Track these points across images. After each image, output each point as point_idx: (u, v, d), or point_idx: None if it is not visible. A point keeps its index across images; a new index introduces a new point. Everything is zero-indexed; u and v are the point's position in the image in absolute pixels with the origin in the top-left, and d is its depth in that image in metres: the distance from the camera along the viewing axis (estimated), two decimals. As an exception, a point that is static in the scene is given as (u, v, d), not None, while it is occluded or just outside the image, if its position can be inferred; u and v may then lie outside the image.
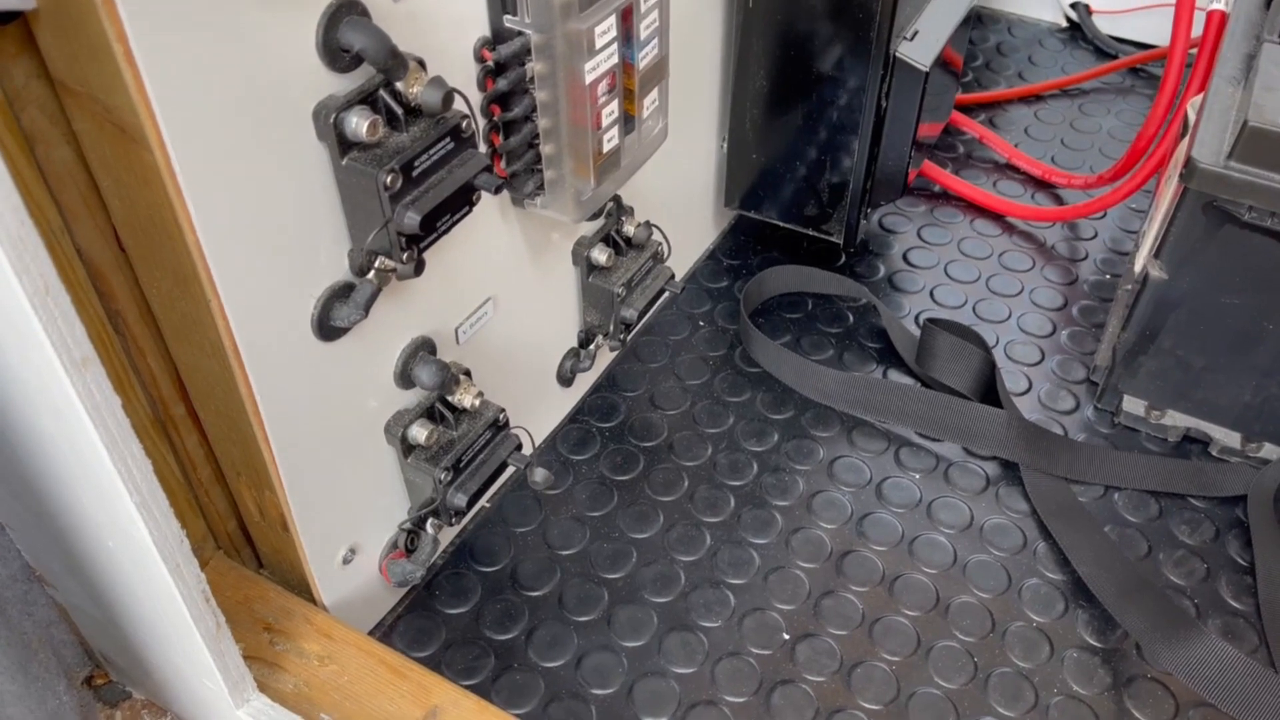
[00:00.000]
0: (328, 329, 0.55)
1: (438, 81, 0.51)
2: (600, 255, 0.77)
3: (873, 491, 0.80)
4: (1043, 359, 0.91)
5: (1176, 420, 0.83)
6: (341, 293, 0.55)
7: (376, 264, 0.54)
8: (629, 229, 0.78)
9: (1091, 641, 0.70)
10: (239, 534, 0.68)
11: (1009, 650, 0.70)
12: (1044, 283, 0.98)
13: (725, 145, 0.93)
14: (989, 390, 0.85)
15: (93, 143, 0.47)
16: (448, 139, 0.53)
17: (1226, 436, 0.81)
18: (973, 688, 0.68)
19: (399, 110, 0.51)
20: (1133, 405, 0.84)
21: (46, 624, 0.65)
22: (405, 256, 0.53)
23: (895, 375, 0.89)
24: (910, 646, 0.70)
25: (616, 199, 0.77)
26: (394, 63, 0.49)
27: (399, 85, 0.51)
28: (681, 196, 0.92)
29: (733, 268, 1.00)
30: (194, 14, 0.42)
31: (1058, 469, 0.80)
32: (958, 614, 0.72)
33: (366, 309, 0.55)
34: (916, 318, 0.94)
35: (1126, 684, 0.68)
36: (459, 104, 0.54)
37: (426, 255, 0.59)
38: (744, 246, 1.02)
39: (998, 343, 0.92)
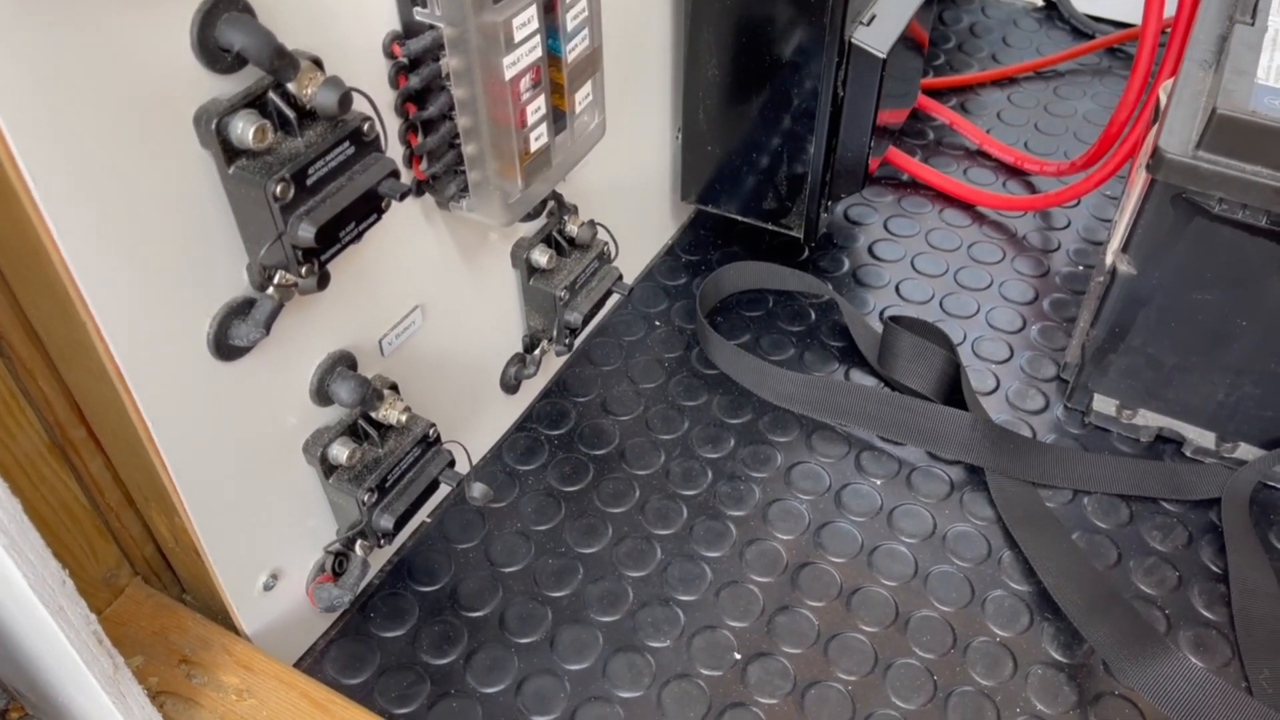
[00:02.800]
0: (226, 348, 0.51)
1: (334, 82, 0.47)
2: (541, 257, 0.73)
3: (832, 499, 0.77)
4: (1011, 356, 0.87)
5: (1149, 420, 0.79)
6: (241, 309, 0.51)
7: (276, 278, 0.50)
8: (571, 228, 0.75)
9: (1057, 657, 0.67)
10: (157, 558, 0.65)
11: (970, 667, 0.67)
12: (1014, 275, 0.94)
13: (679, 137, 0.89)
14: (954, 391, 0.82)
15: (-52, 156, 0.43)
16: (347, 143, 0.49)
17: (1200, 436, 0.78)
18: (932, 708, 0.65)
19: (291, 114, 0.47)
20: (1104, 404, 0.80)
21: (-50, 659, 0.61)
22: (304, 270, 0.49)
23: (858, 376, 0.86)
24: (867, 665, 0.67)
25: (557, 197, 0.73)
26: (281, 62, 0.45)
27: (290, 86, 0.47)
28: (635, 191, 0.88)
29: (692, 264, 0.96)
30: (44, 18, 0.38)
31: (1025, 473, 0.77)
32: (918, 629, 0.69)
33: (268, 327, 0.51)
34: (881, 314, 0.91)
35: (1093, 701, 0.65)
36: (362, 105, 0.50)
37: (337, 265, 0.55)
38: (704, 242, 0.98)
39: (965, 339, 0.88)
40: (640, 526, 0.75)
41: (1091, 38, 1.23)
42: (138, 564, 0.64)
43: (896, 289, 0.93)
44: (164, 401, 0.50)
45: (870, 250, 0.97)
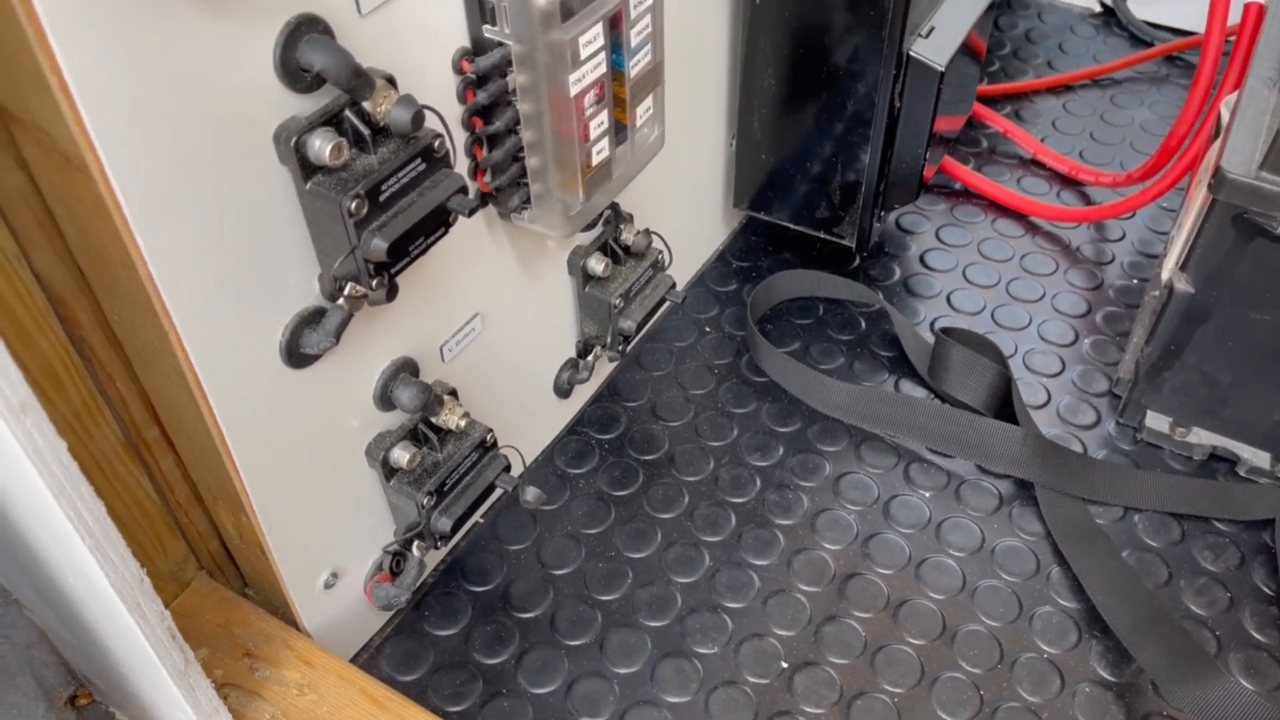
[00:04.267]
0: (297, 356, 0.53)
1: (407, 100, 0.48)
2: (597, 265, 0.74)
3: (880, 510, 0.77)
4: (1063, 369, 0.87)
5: (1202, 438, 0.79)
6: (311, 319, 0.53)
7: (347, 290, 0.51)
8: (627, 237, 0.76)
9: (1105, 675, 0.67)
10: (222, 553, 0.67)
11: (1017, 683, 0.67)
12: (1067, 287, 0.94)
13: (734, 144, 0.90)
14: (1005, 404, 0.82)
15: (41, 170, 0.45)
16: (419, 160, 0.50)
17: (1255, 456, 0.77)
18: (978, 723, 0.65)
19: (366, 131, 0.48)
20: (1156, 421, 0.80)
21: (26, 645, 0.64)
22: (375, 283, 0.50)
23: (907, 386, 0.86)
24: (914, 678, 0.67)
25: (614, 205, 0.74)
26: (358, 82, 0.46)
27: (366, 105, 0.48)
28: (687, 198, 0.89)
29: (742, 270, 0.96)
30: (135, 41, 0.40)
31: (1075, 488, 0.77)
32: (965, 643, 0.69)
33: (337, 336, 0.52)
34: (932, 324, 0.91)
35: (1141, 721, 0.65)
36: (433, 122, 0.51)
37: (403, 275, 0.56)
38: (755, 248, 0.98)
39: (1016, 351, 0.88)
40: (689, 533, 0.75)
41: (1150, 45, 1.21)
42: (203, 558, 0.66)
43: (948, 299, 0.93)
44: (237, 406, 0.52)
45: (922, 259, 0.97)
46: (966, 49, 0.83)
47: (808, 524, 0.76)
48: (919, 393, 0.85)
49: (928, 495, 0.78)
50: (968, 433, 0.79)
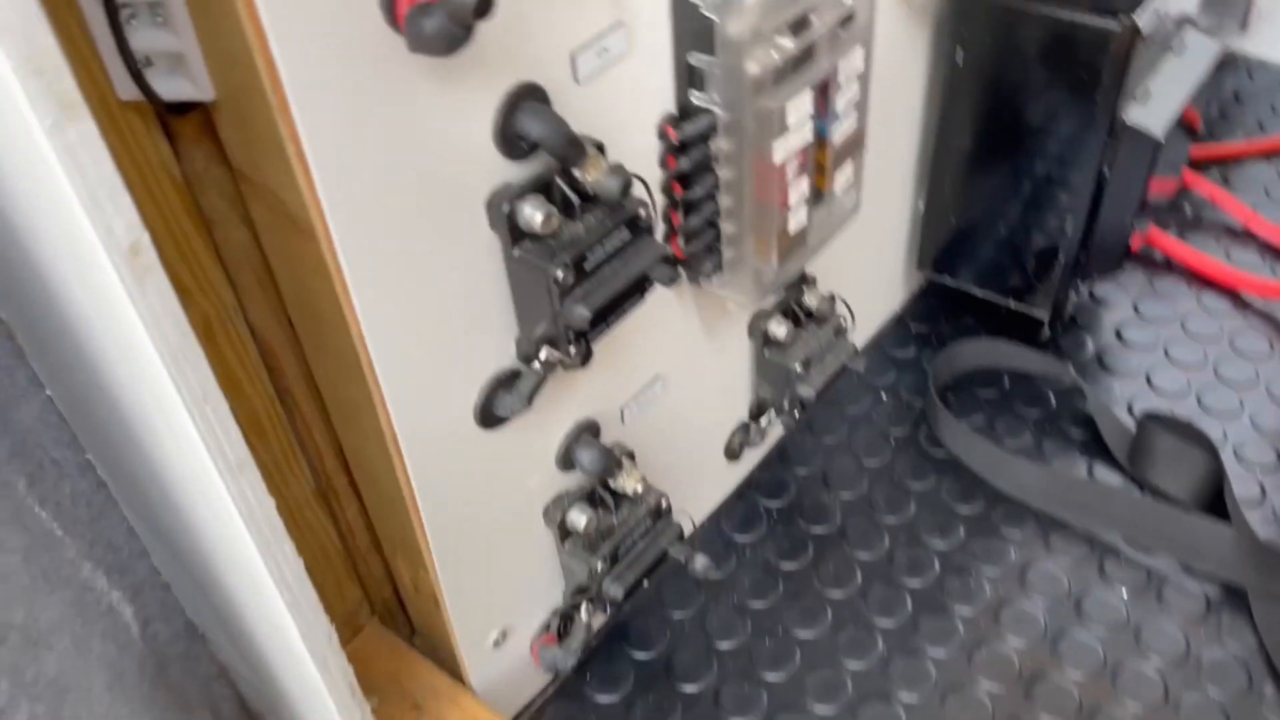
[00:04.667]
0: (490, 418, 0.53)
1: (617, 170, 0.47)
2: (778, 329, 0.72)
3: (1071, 606, 0.71)
4: (1280, 463, 0.79)
5: None
6: (506, 381, 0.52)
7: (543, 354, 0.51)
8: (810, 300, 0.73)
9: (1334, 818, 0.60)
10: (393, 600, 0.67)
11: (1229, 816, 0.60)
12: (1284, 372, 0.86)
13: (922, 205, 0.87)
14: (1214, 498, 0.75)
15: (267, 229, 0.46)
16: (624, 229, 0.49)
17: None
18: None
19: (575, 198, 0.48)
20: (1394, 530, 0.72)
21: (207, 679, 0.65)
22: (573, 350, 0.50)
23: (1102, 471, 0.80)
24: (1109, 797, 0.62)
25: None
26: (572, 151, 0.46)
27: (576, 172, 0.47)
28: (869, 258, 0.86)
29: (921, 335, 0.92)
30: (371, 112, 0.40)
31: (1296, 599, 0.70)
32: (1167, 764, 0.63)
33: (530, 399, 0.52)
34: (1129, 405, 0.84)
35: None
36: (637, 189, 0.50)
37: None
38: (934, 312, 0.94)
39: (1225, 440, 0.81)
40: (861, 614, 0.72)
41: (1378, 107, 1.11)
42: (375, 605, 0.67)
43: (1147, 378, 0.87)
44: (428, 463, 0.52)
45: (1118, 333, 0.91)
46: (1182, 115, 0.77)
47: (990, 614, 0.71)
48: (1115, 479, 0.79)
49: (1124, 593, 0.72)
50: (1172, 527, 0.73)
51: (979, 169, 0.81)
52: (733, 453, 0.78)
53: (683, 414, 0.70)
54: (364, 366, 0.47)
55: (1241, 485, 0.78)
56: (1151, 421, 0.77)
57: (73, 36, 0.38)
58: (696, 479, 0.76)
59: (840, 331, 0.75)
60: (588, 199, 0.49)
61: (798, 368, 0.72)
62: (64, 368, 0.47)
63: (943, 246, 0.87)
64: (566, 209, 0.48)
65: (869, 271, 0.87)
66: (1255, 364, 0.87)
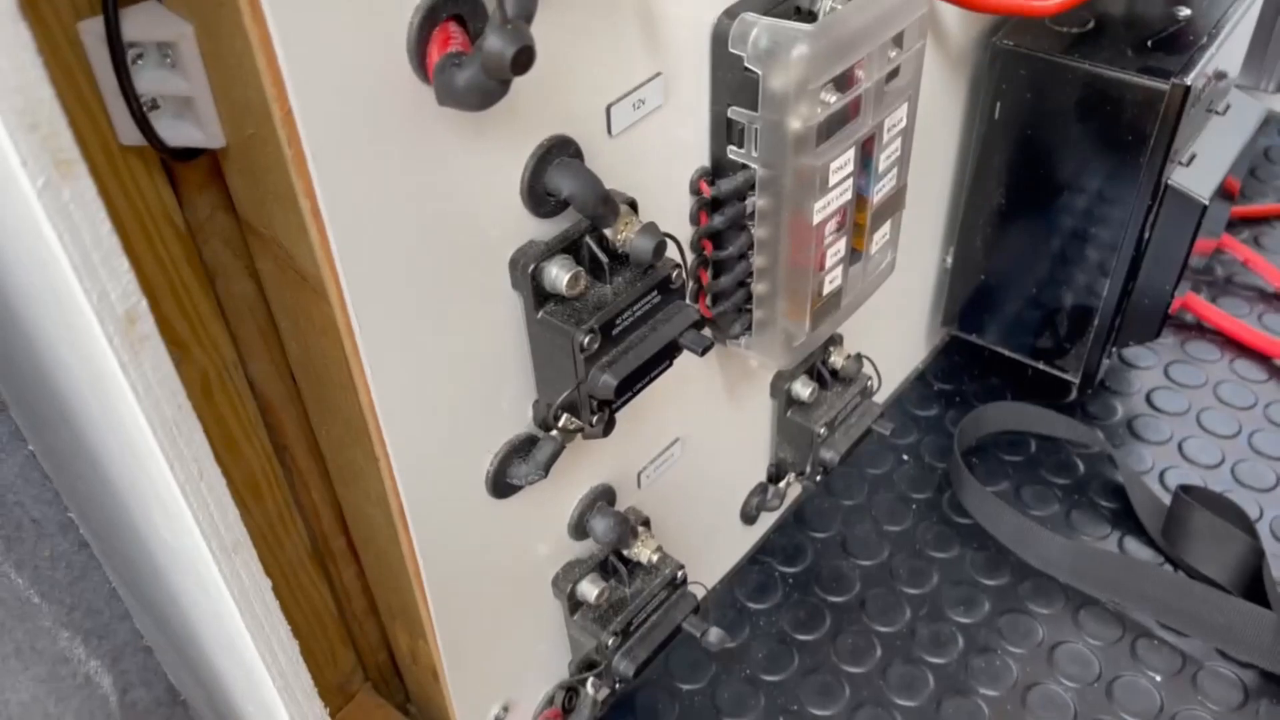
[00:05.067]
0: (503, 486, 0.49)
1: (650, 229, 0.44)
2: (803, 390, 0.69)
3: (1102, 691, 0.68)
4: (1320, 543, 0.76)
5: None
6: (521, 448, 0.49)
7: (562, 421, 0.48)
8: (836, 360, 0.70)
9: None
10: (389, 666, 0.63)
11: None
12: (1322, 445, 0.83)
13: (949, 261, 0.84)
14: (1254, 581, 0.71)
15: (273, 284, 0.43)
16: (654, 292, 0.46)
17: None
18: None
19: (604, 258, 0.45)
20: None
21: (188, 745, 0.62)
22: (595, 420, 0.46)
23: (1134, 546, 0.76)
24: None
25: (827, 328, 0.69)
26: (605, 210, 0.43)
27: (606, 231, 0.44)
28: (895, 315, 0.83)
29: (944, 394, 0.89)
30: (393, 167, 0.37)
31: (1339, 692, 0.66)
32: None
33: (547, 469, 0.48)
34: (1161, 475, 0.81)
35: None
36: (670, 250, 0.47)
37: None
38: (958, 369, 0.91)
39: (1262, 516, 0.78)
40: (881, 693, 0.68)
41: None
42: (370, 670, 0.63)
43: (1179, 447, 0.83)
44: (434, 531, 0.48)
45: (1148, 399, 0.88)
46: (1225, 183, 0.74)
47: (1017, 698, 0.68)
48: (1147, 554, 0.76)
49: (1158, 679, 0.68)
50: (1209, 611, 0.69)
51: (1012, 226, 0.78)
52: (749, 516, 0.74)
53: (700, 477, 0.67)
54: (371, 431, 0.43)
55: None
56: (1187, 495, 0.74)
57: (73, 77, 0.35)
58: (710, 543, 0.73)
59: (867, 393, 0.72)
60: (617, 259, 0.46)
61: (821, 430, 0.69)
62: (48, 423, 0.43)
63: (970, 303, 0.84)
64: (595, 270, 0.45)
65: (894, 328, 0.84)
66: (1291, 436, 0.84)
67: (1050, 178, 0.74)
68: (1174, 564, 0.75)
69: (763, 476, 0.74)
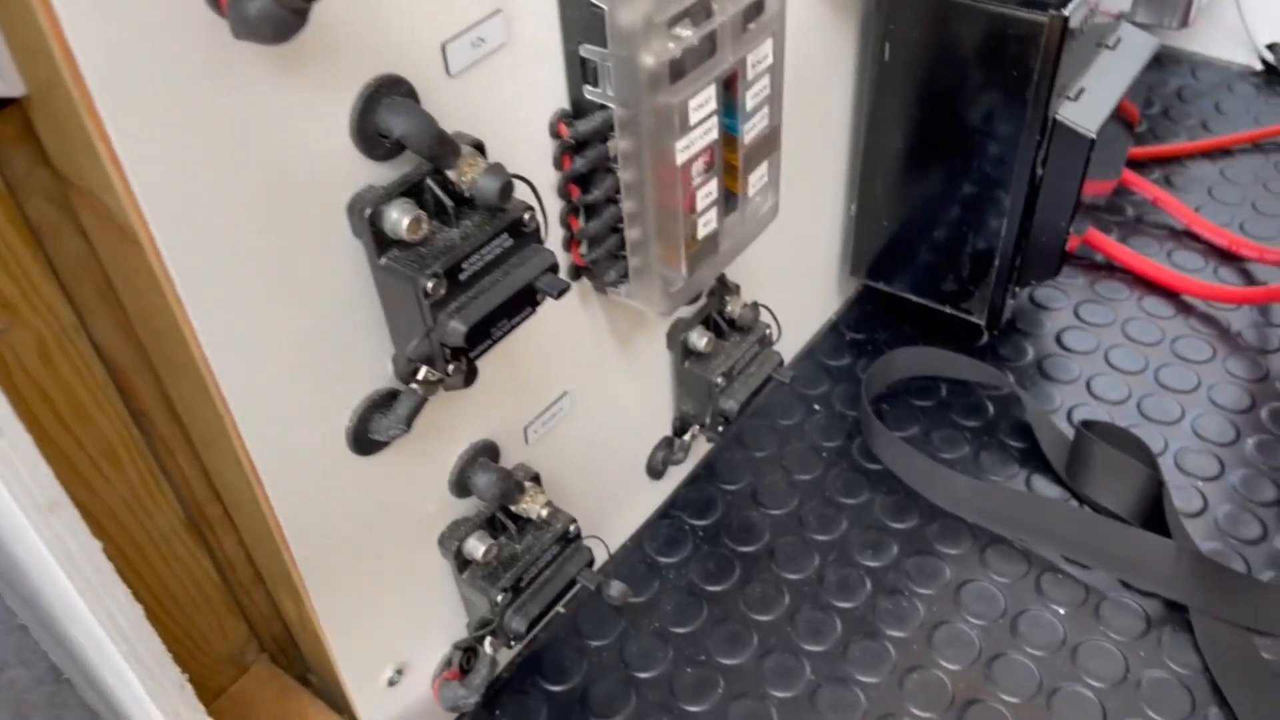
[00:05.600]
0: (365, 442, 0.48)
1: (495, 170, 0.43)
2: (699, 340, 0.68)
3: (1007, 626, 0.68)
4: (1222, 472, 0.77)
5: (1395, 566, 0.68)
6: (382, 402, 0.48)
7: (421, 374, 0.47)
8: (733, 309, 0.69)
9: None
10: (285, 636, 0.62)
11: None
12: (1226, 377, 0.84)
13: (853, 210, 0.83)
14: (1154, 511, 0.72)
15: (99, 239, 0.42)
16: (506, 235, 0.45)
17: None
18: None
19: (449, 202, 0.44)
20: (1337, 542, 0.69)
21: (78, 725, 0.60)
22: (451, 368, 0.46)
23: (1041, 484, 0.77)
24: (1044, 832, 0.58)
25: (720, 276, 0.68)
26: (442, 149, 0.42)
27: (450, 173, 0.43)
28: (799, 265, 0.82)
29: (856, 343, 0.89)
30: (193, 106, 0.36)
31: (1237, 615, 0.67)
32: (1105, 795, 0.60)
33: (409, 423, 0.47)
34: (1069, 413, 0.82)
35: None
36: (524, 193, 0.46)
37: (485, 358, 0.52)
38: (871, 319, 0.91)
39: (1166, 449, 0.78)
40: (789, 640, 0.68)
41: (1320, 106, 1.10)
42: (265, 641, 0.62)
43: (1087, 385, 0.84)
44: (294, 491, 0.47)
45: (1058, 339, 0.88)
46: (1119, 112, 0.74)
47: (923, 637, 0.68)
48: (1054, 492, 0.76)
49: (1062, 612, 0.69)
50: (1111, 543, 0.70)
51: (910, 170, 0.78)
52: (655, 471, 0.74)
53: (597, 432, 0.66)
54: (210, 387, 0.42)
55: (1182, 496, 0.75)
56: (1089, 430, 0.74)
57: None
58: (617, 499, 0.72)
59: (765, 342, 0.72)
60: (465, 203, 0.45)
61: (719, 380, 0.68)
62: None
63: (876, 251, 0.84)
64: (440, 214, 0.44)
65: (800, 278, 0.84)
66: (1197, 370, 0.85)
67: (944, 118, 0.73)
68: (1079, 499, 0.75)
69: (668, 431, 0.74)
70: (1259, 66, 1.17)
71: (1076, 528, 0.71)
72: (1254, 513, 0.74)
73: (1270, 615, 0.67)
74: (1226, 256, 0.94)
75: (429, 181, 0.44)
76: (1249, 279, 0.92)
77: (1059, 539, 0.71)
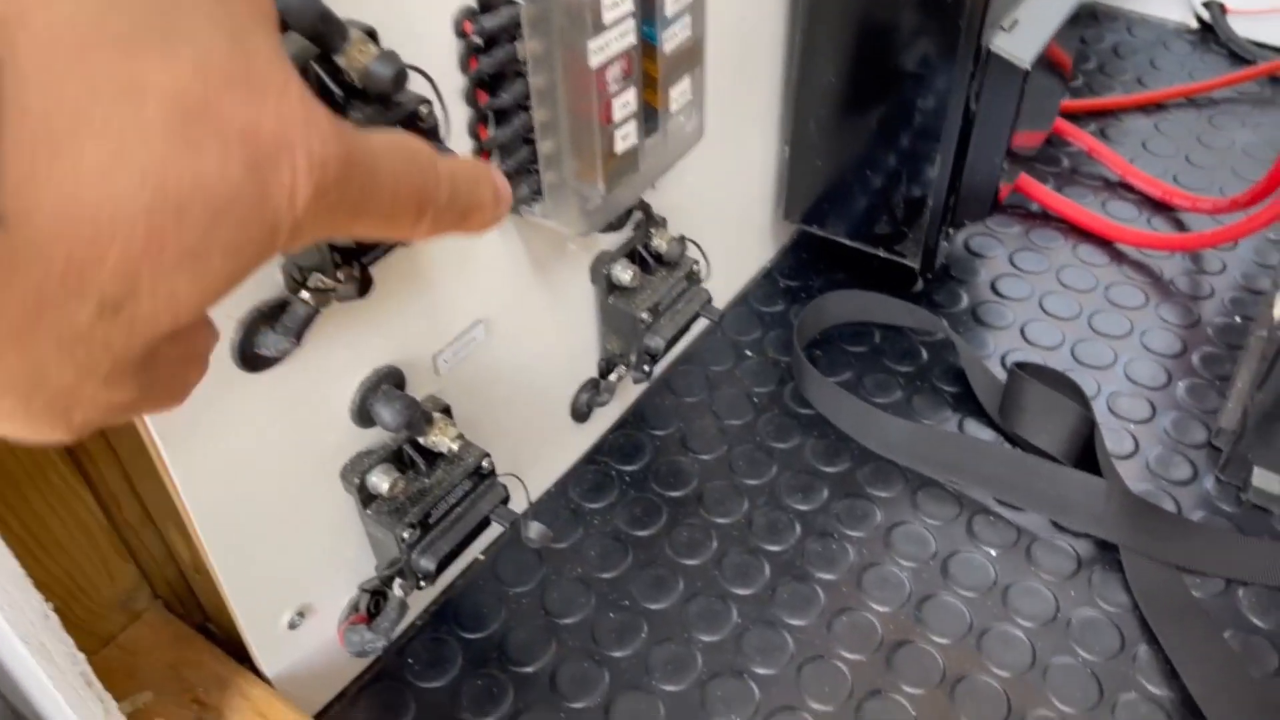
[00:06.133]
0: (252, 358, 0.45)
1: (389, 57, 0.40)
2: (623, 273, 0.65)
3: (938, 568, 0.67)
4: (1153, 415, 0.76)
5: (1321, 503, 0.68)
6: (271, 314, 0.45)
7: (311, 282, 0.43)
8: (659, 243, 0.67)
9: (1204, 782, 0.56)
10: (180, 581, 0.59)
11: (1097, 786, 0.56)
12: (1159, 323, 0.83)
13: (786, 150, 0.81)
14: (1086, 453, 0.71)
15: None
16: (399, 128, 0.42)
17: (1386, 527, 0.66)
18: (1048, 832, 0.54)
19: (336, 90, 0.40)
20: (1265, 480, 0.69)
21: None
22: (342, 275, 0.42)
23: (973, 427, 0.75)
24: (972, 771, 0.57)
25: (645, 208, 0.66)
26: (326, 28, 0.38)
27: (339, 60, 0.40)
28: (732, 208, 0.80)
29: (791, 290, 0.87)
30: None
31: (1167, 554, 0.66)
32: (1034, 732, 0.59)
33: (299, 336, 0.44)
34: (1003, 359, 0.80)
35: (1248, 842, 0.54)
36: (421, 87, 0.43)
37: (389, 270, 0.49)
38: (805, 266, 0.89)
39: (1099, 393, 0.78)
40: (716, 583, 0.66)
41: (1252, 63, 1.10)
42: (159, 586, 0.58)
43: (1021, 331, 0.83)
44: (176, 413, 0.44)
45: (993, 286, 0.87)
46: (1051, 56, 0.73)
47: (853, 580, 0.66)
48: (986, 435, 0.75)
49: (993, 553, 0.68)
50: (1042, 483, 0.69)
51: (843, 106, 0.75)
52: (580, 413, 0.71)
53: (516, 368, 0.63)
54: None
55: (1115, 440, 0.74)
56: (1020, 371, 0.73)
57: None
58: (540, 442, 0.69)
59: (693, 278, 0.69)
60: (355, 93, 0.41)
61: (645, 316, 0.66)
62: None
63: (810, 195, 0.82)
64: (324, 94, 0.41)
65: (733, 222, 0.81)
66: (1130, 316, 0.84)
67: (876, 50, 0.71)
68: (1011, 441, 0.74)
69: (593, 373, 0.71)
70: (1194, 24, 1.17)
71: (1008, 468, 0.70)
72: (1184, 454, 0.73)
73: (1199, 554, 0.66)
74: (1160, 207, 0.94)
75: (313, 64, 0.40)
76: (1181, 228, 0.92)
77: (991, 480, 0.70)
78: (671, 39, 0.53)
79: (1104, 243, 0.90)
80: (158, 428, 0.43)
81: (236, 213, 0.22)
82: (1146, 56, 1.13)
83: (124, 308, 0.21)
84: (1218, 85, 1.06)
